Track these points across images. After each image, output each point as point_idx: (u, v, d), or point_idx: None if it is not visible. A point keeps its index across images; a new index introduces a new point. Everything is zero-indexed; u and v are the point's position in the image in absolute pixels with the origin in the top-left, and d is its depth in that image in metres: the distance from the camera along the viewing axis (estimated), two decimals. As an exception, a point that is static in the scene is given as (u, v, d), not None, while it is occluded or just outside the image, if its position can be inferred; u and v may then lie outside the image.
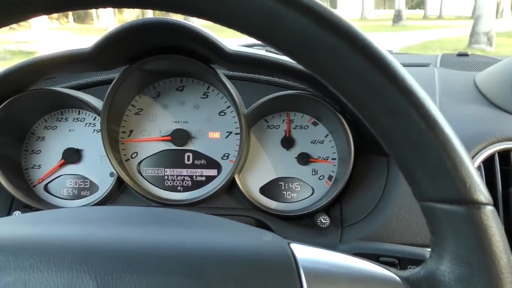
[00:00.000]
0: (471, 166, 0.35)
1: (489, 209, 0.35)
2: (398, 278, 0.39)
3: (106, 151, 0.90)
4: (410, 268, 0.66)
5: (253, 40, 1.43)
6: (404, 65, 1.13)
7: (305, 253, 0.41)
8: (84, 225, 0.45)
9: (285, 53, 0.37)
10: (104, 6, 0.38)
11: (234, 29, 0.37)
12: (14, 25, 0.38)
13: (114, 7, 0.39)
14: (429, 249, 0.40)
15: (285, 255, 0.40)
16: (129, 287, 0.35)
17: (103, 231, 0.43)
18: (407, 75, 0.35)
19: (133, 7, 0.38)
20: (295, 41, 0.36)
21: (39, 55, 0.81)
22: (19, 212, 0.89)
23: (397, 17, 20.55)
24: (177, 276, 0.37)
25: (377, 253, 0.70)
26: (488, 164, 0.81)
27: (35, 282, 0.35)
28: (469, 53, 1.33)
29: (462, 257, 0.35)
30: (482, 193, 0.35)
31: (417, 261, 0.66)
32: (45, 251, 0.38)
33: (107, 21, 18.49)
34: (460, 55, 1.33)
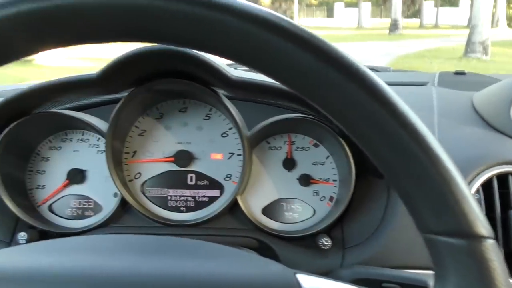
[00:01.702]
0: (473, 200, 0.36)
1: (490, 243, 0.36)
2: None
3: (110, 172, 0.91)
4: (412, 294, 0.68)
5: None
6: (403, 84, 1.15)
7: (311, 284, 0.42)
8: (96, 255, 0.46)
9: (290, 87, 0.38)
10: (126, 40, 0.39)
11: (240, 63, 0.38)
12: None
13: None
14: (431, 272, 0.41)
15: (292, 285, 0.41)
16: None
17: (115, 261, 0.44)
18: (409, 111, 0.36)
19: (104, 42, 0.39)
20: (299, 76, 0.36)
21: (46, 80, 0.82)
22: (25, 233, 0.90)
23: (394, 26, 20.68)
24: None
25: (380, 279, 0.71)
26: (486, 187, 0.82)
27: None
28: (466, 72, 1.35)
29: None
30: (483, 226, 0.36)
31: (419, 287, 0.67)
32: (59, 281, 0.40)
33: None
34: (457, 73, 1.35)
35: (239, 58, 0.37)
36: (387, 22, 24.19)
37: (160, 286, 0.40)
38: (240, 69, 0.85)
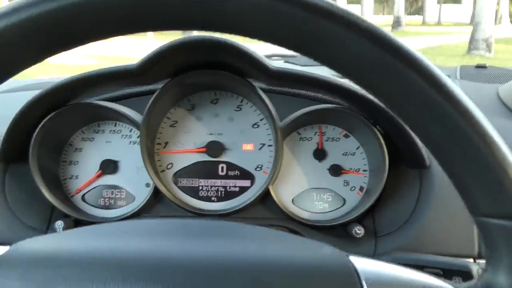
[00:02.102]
0: None
1: None
2: None
3: (144, 162, 0.92)
4: (455, 279, 0.69)
5: (271, 51, 1.45)
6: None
7: (365, 265, 0.42)
8: (154, 238, 0.46)
9: (344, 74, 0.39)
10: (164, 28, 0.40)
11: (290, 49, 0.39)
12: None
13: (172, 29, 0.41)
14: (473, 262, 0.42)
15: (347, 267, 0.41)
16: None
17: (173, 244, 0.44)
18: (462, 94, 0.37)
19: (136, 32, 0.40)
20: (355, 63, 0.37)
21: (85, 71, 0.83)
22: (61, 222, 0.91)
23: (396, 23, 20.63)
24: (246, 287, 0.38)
25: (421, 264, 0.72)
26: None
27: None
28: (487, 65, 1.36)
29: None
30: None
31: (461, 272, 0.68)
32: (118, 263, 0.40)
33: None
34: (479, 67, 1.36)
35: (299, 48, 0.38)
36: (389, 19, 24.14)
37: (218, 269, 0.40)
38: (275, 61, 0.86)
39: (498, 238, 0.38)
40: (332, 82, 0.81)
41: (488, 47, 11.45)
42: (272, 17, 0.36)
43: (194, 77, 0.88)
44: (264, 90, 0.94)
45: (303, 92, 0.98)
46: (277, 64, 0.83)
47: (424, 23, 26.99)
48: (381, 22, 27.31)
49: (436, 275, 0.69)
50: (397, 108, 0.40)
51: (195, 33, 0.65)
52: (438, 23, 26.03)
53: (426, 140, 0.40)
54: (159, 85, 0.90)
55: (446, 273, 0.70)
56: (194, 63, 0.87)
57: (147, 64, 0.79)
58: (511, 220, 0.37)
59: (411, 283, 0.42)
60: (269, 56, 1.36)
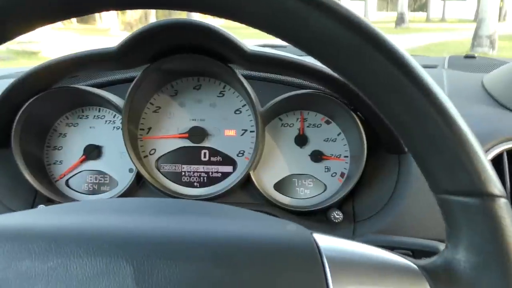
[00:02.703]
0: (486, 160, 0.37)
1: (503, 201, 0.37)
2: (415, 266, 0.41)
3: (126, 148, 0.93)
4: (423, 259, 0.69)
5: (261, 42, 1.45)
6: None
7: (328, 242, 0.43)
8: (119, 214, 0.47)
9: (312, 54, 0.39)
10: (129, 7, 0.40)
11: (262, 30, 0.39)
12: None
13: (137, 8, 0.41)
14: (442, 243, 0.42)
15: (309, 244, 0.42)
16: (163, 272, 0.37)
17: (138, 220, 0.45)
18: (426, 74, 0.38)
19: (154, 8, 0.40)
20: (323, 43, 0.38)
21: (64, 55, 0.84)
22: (44, 206, 0.92)
23: (400, 20, 20.53)
24: (207, 262, 0.39)
25: (392, 245, 0.73)
26: (496, 163, 0.84)
27: (75, 266, 0.37)
28: (476, 55, 1.36)
29: (477, 247, 0.38)
30: (496, 186, 0.37)
31: (431, 253, 0.68)
32: (84, 238, 0.40)
33: (109, 22, 18.51)
34: (467, 57, 1.36)
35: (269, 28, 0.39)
36: (393, 15, 24.04)
37: (183, 243, 0.41)
38: (254, 45, 0.86)
39: (458, 215, 0.39)
40: (311, 67, 0.81)
41: (492, 44, 11.38)
42: None
43: (175, 62, 0.89)
44: (246, 77, 0.95)
45: (286, 78, 0.98)
46: (257, 47, 0.83)
47: (428, 19, 26.86)
48: (384, 18, 27.24)
49: (406, 255, 0.69)
50: (362, 88, 0.40)
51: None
52: (442, 20, 25.90)
53: (390, 119, 0.40)
54: (141, 71, 0.90)
55: (416, 254, 0.70)
56: (175, 48, 0.87)
57: (126, 47, 0.80)
58: (470, 197, 0.37)
59: (372, 259, 0.43)
60: (262, 46, 1.36)
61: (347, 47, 0.37)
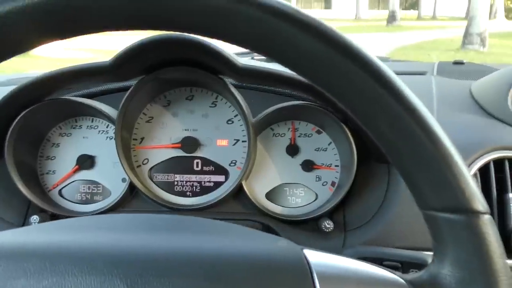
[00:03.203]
0: (470, 178, 0.38)
1: (487, 218, 0.38)
2: (403, 281, 0.42)
3: (119, 158, 0.93)
4: (412, 271, 0.71)
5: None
6: (402, 73, 1.18)
7: (318, 258, 0.43)
8: (113, 232, 0.48)
9: (295, 71, 0.40)
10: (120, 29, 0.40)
11: (244, 48, 0.40)
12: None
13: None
14: (430, 253, 0.43)
15: (299, 260, 0.43)
16: None
17: (132, 238, 0.45)
18: (411, 93, 0.38)
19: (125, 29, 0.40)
20: (305, 60, 0.38)
21: (59, 68, 0.84)
22: (37, 217, 0.92)
23: (391, 18, 20.58)
24: (200, 279, 0.40)
25: (381, 257, 0.74)
26: (483, 171, 0.85)
27: (70, 285, 0.38)
28: (464, 61, 1.38)
29: (462, 262, 0.39)
30: (480, 202, 0.38)
31: (419, 265, 0.70)
32: (78, 256, 0.41)
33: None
34: (456, 63, 1.38)
35: (251, 45, 0.39)
36: (385, 13, 24.07)
37: (175, 260, 0.41)
38: (246, 58, 0.87)
39: (444, 231, 0.40)
40: (300, 80, 0.83)
41: (483, 42, 11.45)
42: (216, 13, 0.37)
43: (168, 73, 0.90)
44: (238, 87, 0.96)
45: (278, 89, 0.99)
46: (248, 61, 0.84)
47: (419, 17, 26.95)
48: (376, 16, 27.29)
49: (394, 268, 0.71)
50: (347, 105, 0.41)
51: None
52: (433, 18, 26.00)
53: (376, 136, 0.41)
54: (135, 82, 0.91)
55: (404, 265, 0.72)
56: (169, 60, 0.88)
57: (119, 61, 0.81)
58: (455, 213, 0.38)
59: (361, 274, 0.44)
60: (250, 53, 1.37)
61: (333, 67, 0.38)
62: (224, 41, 0.40)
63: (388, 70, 0.38)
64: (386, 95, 0.38)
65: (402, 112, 0.38)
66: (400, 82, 0.39)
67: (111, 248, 0.43)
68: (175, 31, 0.40)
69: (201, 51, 0.81)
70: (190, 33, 0.40)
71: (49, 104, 0.93)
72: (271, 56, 0.40)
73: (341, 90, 0.40)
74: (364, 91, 0.38)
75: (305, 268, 0.42)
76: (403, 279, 0.43)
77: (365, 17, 26.46)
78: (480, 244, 0.38)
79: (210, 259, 0.42)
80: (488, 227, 0.38)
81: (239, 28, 0.38)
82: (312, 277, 0.41)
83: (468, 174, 0.38)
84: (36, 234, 0.48)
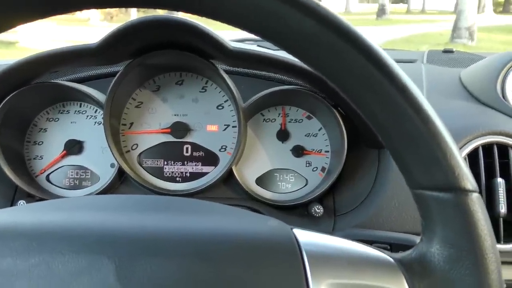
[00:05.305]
0: (460, 157, 0.38)
1: (475, 196, 0.38)
2: (392, 260, 0.43)
3: (108, 143, 0.92)
4: (400, 253, 0.71)
5: (244, 35, 1.46)
6: (392, 61, 1.14)
7: (307, 237, 0.44)
8: (103, 212, 0.47)
9: (288, 50, 0.40)
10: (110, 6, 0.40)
11: (236, 27, 0.40)
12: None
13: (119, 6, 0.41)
14: (419, 236, 0.44)
15: (289, 239, 0.43)
16: (146, 269, 0.38)
17: (120, 218, 0.45)
18: (402, 72, 0.38)
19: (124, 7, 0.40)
20: (297, 39, 0.38)
21: (46, 50, 0.83)
22: (24, 202, 0.91)
23: (381, 11, 20.60)
24: (189, 259, 0.40)
25: (370, 240, 0.74)
26: (472, 157, 0.86)
27: (57, 263, 0.37)
28: (454, 49, 1.38)
29: (451, 240, 0.39)
30: (469, 181, 0.38)
31: (408, 247, 0.70)
32: (66, 235, 0.41)
33: (89, 12, 18.24)
34: (446, 51, 1.38)
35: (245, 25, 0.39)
36: (374, 7, 24.10)
37: (165, 240, 0.41)
38: (236, 42, 0.87)
39: (433, 210, 0.40)
40: (292, 63, 0.82)
41: (471, 36, 11.51)
42: None
43: (157, 57, 0.89)
44: (229, 72, 0.95)
45: (269, 74, 0.99)
46: (241, 45, 0.84)
47: (408, 11, 27.00)
48: (366, 10, 27.31)
49: (384, 249, 0.71)
50: (340, 85, 0.41)
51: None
52: (423, 11, 26.07)
53: (367, 116, 0.41)
54: (123, 66, 0.90)
55: (393, 247, 0.72)
56: (157, 44, 0.87)
57: (107, 43, 0.79)
58: (444, 192, 0.38)
59: (350, 253, 0.44)
60: (241, 40, 1.36)
61: (325, 46, 0.38)
62: (217, 20, 0.40)
63: (379, 49, 0.38)
64: (378, 74, 0.38)
65: (393, 91, 0.38)
66: (392, 61, 0.38)
67: (99, 228, 0.42)
68: (165, 9, 0.39)
69: (192, 34, 0.80)
70: (182, 11, 0.39)
71: (36, 88, 0.91)
72: (264, 35, 0.39)
73: (332, 70, 0.40)
74: (355, 70, 0.38)
75: (295, 247, 0.42)
76: (392, 257, 0.43)
77: (355, 11, 26.46)
78: (468, 222, 0.38)
79: (200, 238, 0.42)
80: (477, 205, 0.38)
81: (231, 7, 0.37)
82: (302, 256, 0.41)
83: (458, 153, 0.38)
84: (24, 213, 0.47)
